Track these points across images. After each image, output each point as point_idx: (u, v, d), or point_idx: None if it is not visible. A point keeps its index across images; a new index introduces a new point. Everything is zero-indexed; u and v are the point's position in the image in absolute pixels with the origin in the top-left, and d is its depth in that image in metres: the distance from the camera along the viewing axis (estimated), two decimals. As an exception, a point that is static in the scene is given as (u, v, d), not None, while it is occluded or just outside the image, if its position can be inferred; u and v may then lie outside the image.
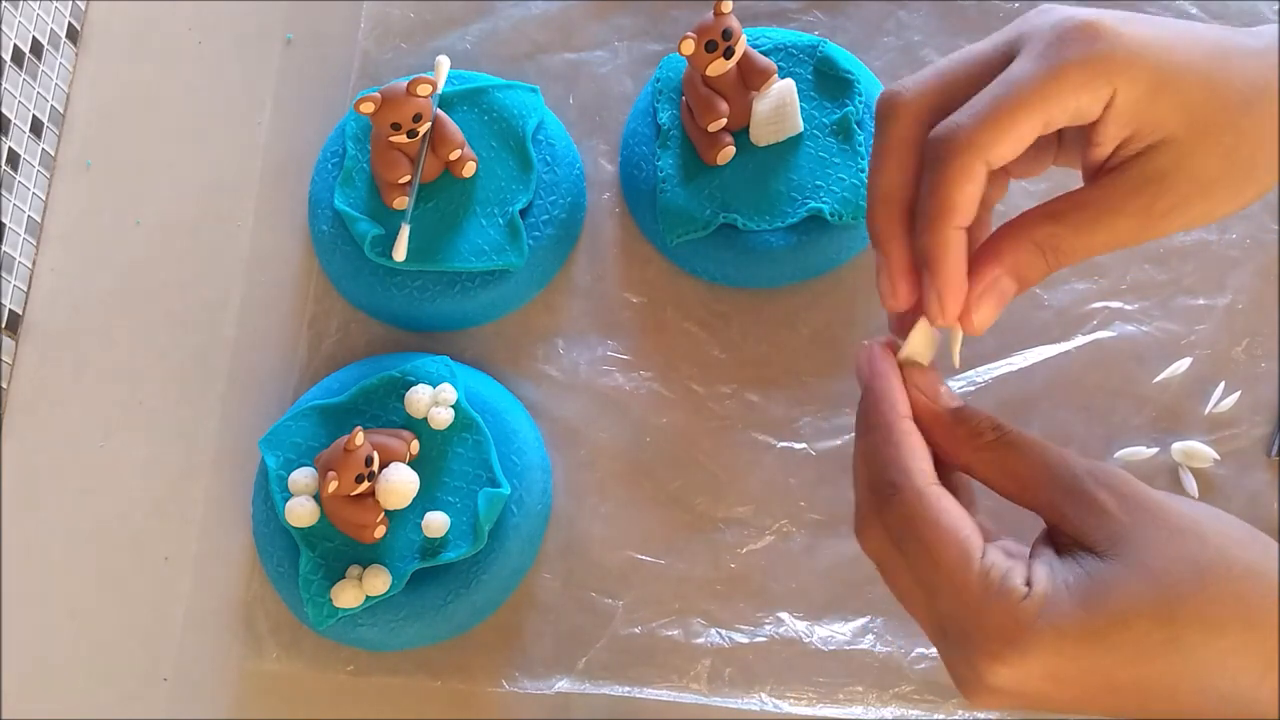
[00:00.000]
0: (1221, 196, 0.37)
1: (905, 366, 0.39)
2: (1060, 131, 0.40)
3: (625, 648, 0.52)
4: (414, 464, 0.51)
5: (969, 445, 0.36)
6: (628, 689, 0.51)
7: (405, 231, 0.54)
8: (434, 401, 0.52)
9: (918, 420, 0.37)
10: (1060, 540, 0.35)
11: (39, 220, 0.59)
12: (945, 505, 0.35)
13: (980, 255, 0.37)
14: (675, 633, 0.52)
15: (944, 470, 0.38)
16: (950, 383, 0.53)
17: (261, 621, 0.54)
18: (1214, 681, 0.32)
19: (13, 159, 0.57)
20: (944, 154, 0.36)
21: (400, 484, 0.49)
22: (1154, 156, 0.36)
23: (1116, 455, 0.52)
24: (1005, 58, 0.36)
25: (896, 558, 0.35)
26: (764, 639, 0.51)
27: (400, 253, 0.54)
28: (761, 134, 0.54)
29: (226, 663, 0.54)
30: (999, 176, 0.40)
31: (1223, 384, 0.52)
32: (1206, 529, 0.33)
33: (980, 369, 0.53)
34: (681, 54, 0.51)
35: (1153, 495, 0.34)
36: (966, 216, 0.36)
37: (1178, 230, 0.37)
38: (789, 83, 0.53)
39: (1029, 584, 0.33)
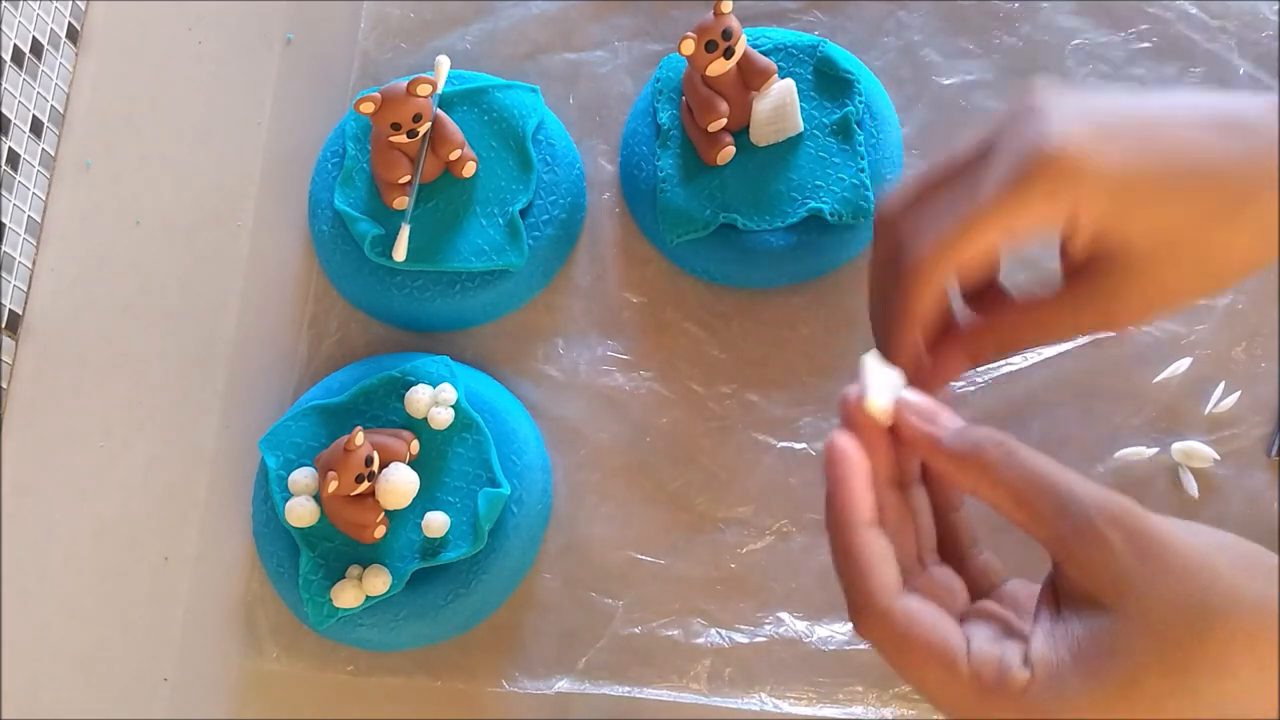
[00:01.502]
0: (1182, 300, 0.38)
1: (876, 429, 0.37)
2: None
3: (625, 648, 0.52)
4: (414, 464, 0.51)
5: (974, 472, 0.35)
6: (628, 689, 0.51)
7: (405, 231, 0.54)
8: (434, 401, 0.52)
9: (920, 454, 0.37)
10: (1063, 585, 0.34)
11: (39, 220, 0.59)
12: (914, 618, 0.33)
13: (947, 351, 0.40)
14: (675, 633, 0.52)
15: (946, 503, 0.39)
16: (950, 383, 0.53)
17: (261, 621, 0.54)
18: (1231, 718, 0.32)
19: (13, 159, 0.57)
20: (905, 271, 0.38)
21: (400, 484, 0.49)
22: (1117, 267, 0.36)
23: (1116, 455, 0.52)
24: (981, 157, 0.37)
25: None
26: (764, 639, 0.51)
27: (400, 253, 0.54)
28: (761, 134, 0.54)
29: (226, 663, 0.54)
30: (986, 265, 0.41)
31: (1223, 384, 0.52)
32: (1217, 563, 0.32)
33: (980, 369, 0.53)
34: (681, 54, 0.51)
35: (1161, 530, 0.32)
36: (925, 320, 0.38)
37: (1123, 328, 0.39)
38: (789, 83, 0.53)
39: (1029, 663, 0.32)
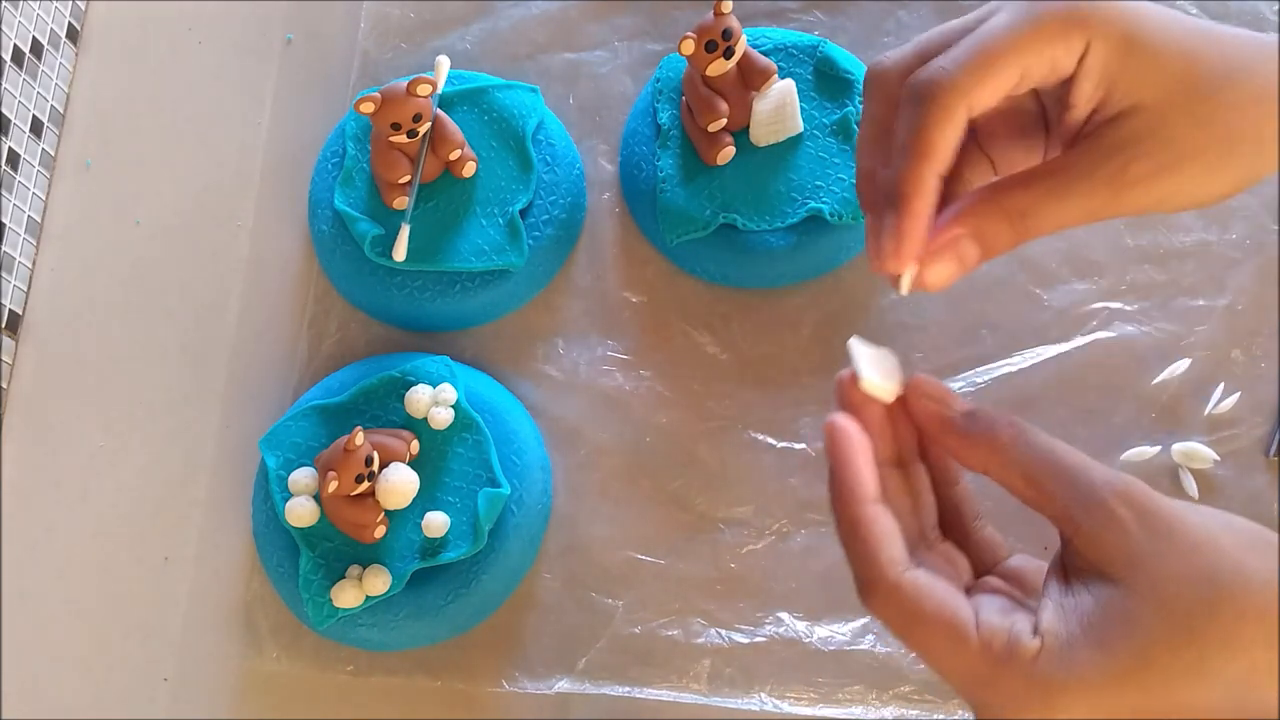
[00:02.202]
0: (1195, 172, 0.36)
1: (874, 407, 0.37)
2: (1046, 118, 0.40)
3: (625, 648, 0.52)
4: (414, 464, 0.51)
5: (985, 451, 0.35)
6: (628, 689, 0.51)
7: (405, 231, 0.54)
8: (434, 401, 0.52)
9: (928, 433, 0.37)
10: (1072, 560, 0.34)
11: (39, 220, 0.59)
12: (922, 591, 0.33)
13: (945, 216, 0.37)
14: (675, 633, 0.52)
15: (945, 478, 0.38)
16: (948, 384, 0.53)
17: (261, 621, 0.54)
18: (1241, 698, 0.31)
19: (13, 159, 0.57)
20: (924, 94, 0.36)
21: (400, 484, 0.49)
22: (1126, 121, 0.36)
23: (1117, 456, 0.52)
24: (980, 21, 0.37)
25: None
26: (764, 639, 0.51)
27: (400, 253, 0.54)
28: (761, 134, 0.54)
29: (226, 663, 0.54)
30: (981, 159, 0.40)
31: (1222, 385, 0.52)
32: (1223, 542, 0.32)
33: (980, 369, 0.53)
34: (681, 54, 0.51)
35: (1169, 508, 0.33)
36: (943, 161, 0.36)
37: (1152, 208, 0.36)
38: (789, 83, 0.53)
39: (1039, 634, 0.32)
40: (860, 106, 0.54)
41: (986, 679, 0.32)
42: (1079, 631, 0.32)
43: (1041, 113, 0.40)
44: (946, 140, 0.36)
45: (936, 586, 0.33)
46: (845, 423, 0.36)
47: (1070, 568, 0.34)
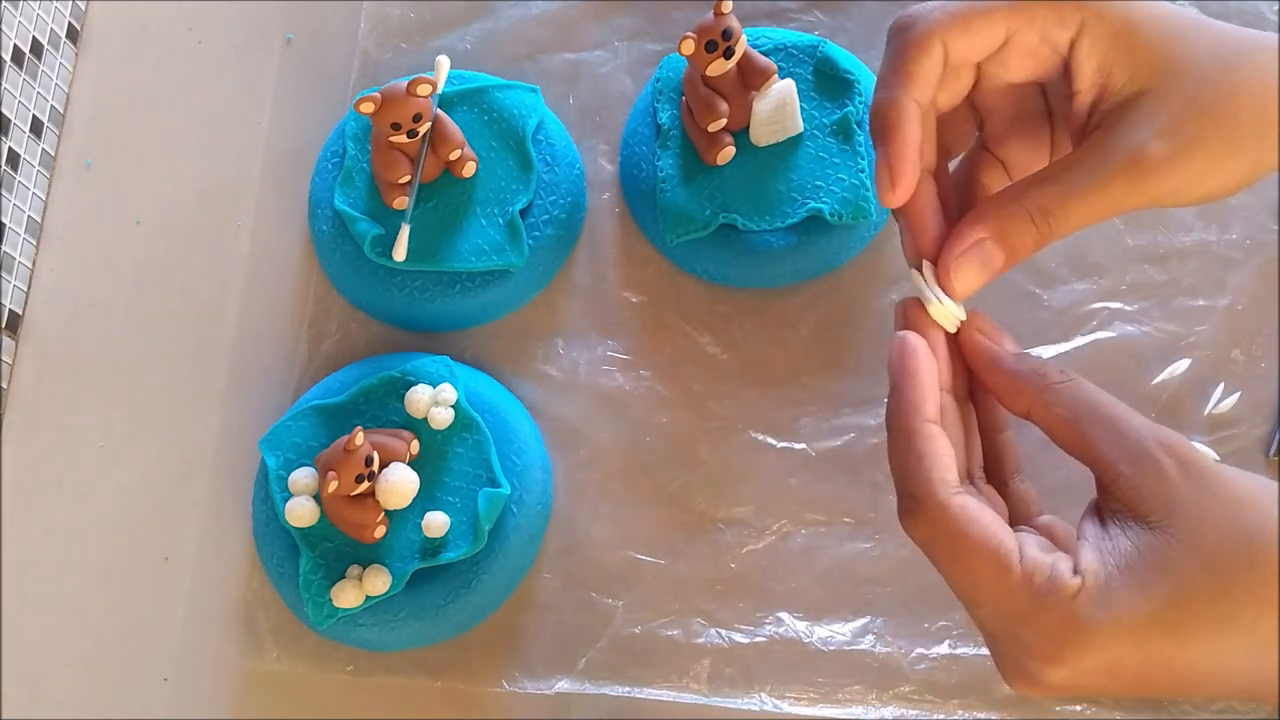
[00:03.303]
0: (1205, 159, 0.36)
1: (939, 337, 0.37)
2: (1053, 118, 0.40)
3: (625, 648, 0.52)
4: (414, 464, 0.51)
5: (1032, 391, 0.35)
6: (628, 689, 0.51)
7: (405, 231, 0.54)
8: (434, 401, 0.52)
9: (978, 368, 0.37)
10: (1110, 505, 0.34)
11: (39, 220, 0.59)
12: (970, 515, 0.33)
13: (964, 219, 0.37)
14: (675, 633, 0.52)
15: (993, 423, 0.38)
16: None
17: (261, 621, 0.54)
18: (1264, 658, 0.32)
19: (13, 159, 0.57)
20: (903, 27, 0.37)
21: (400, 484, 0.49)
22: (1132, 108, 0.36)
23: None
24: None
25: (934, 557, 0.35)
26: (764, 639, 0.51)
27: (400, 253, 0.54)
28: (761, 134, 0.54)
29: (226, 663, 0.54)
30: (993, 163, 0.40)
31: (1222, 385, 0.52)
32: (1263, 501, 0.32)
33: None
34: (681, 54, 0.51)
35: (1211, 465, 0.33)
36: (922, 91, 0.37)
37: (1169, 196, 0.36)
38: (789, 83, 0.53)
39: (1079, 573, 0.32)
40: (859, 106, 0.54)
41: (1024, 612, 0.32)
42: (1117, 573, 0.32)
43: (1048, 112, 0.40)
44: (922, 69, 0.36)
45: (985, 512, 0.33)
46: (915, 340, 0.36)
47: (1107, 512, 0.34)
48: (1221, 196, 0.37)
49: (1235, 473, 0.33)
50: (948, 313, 0.37)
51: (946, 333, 0.38)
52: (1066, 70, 0.37)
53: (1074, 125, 0.38)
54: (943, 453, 0.35)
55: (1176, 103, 0.35)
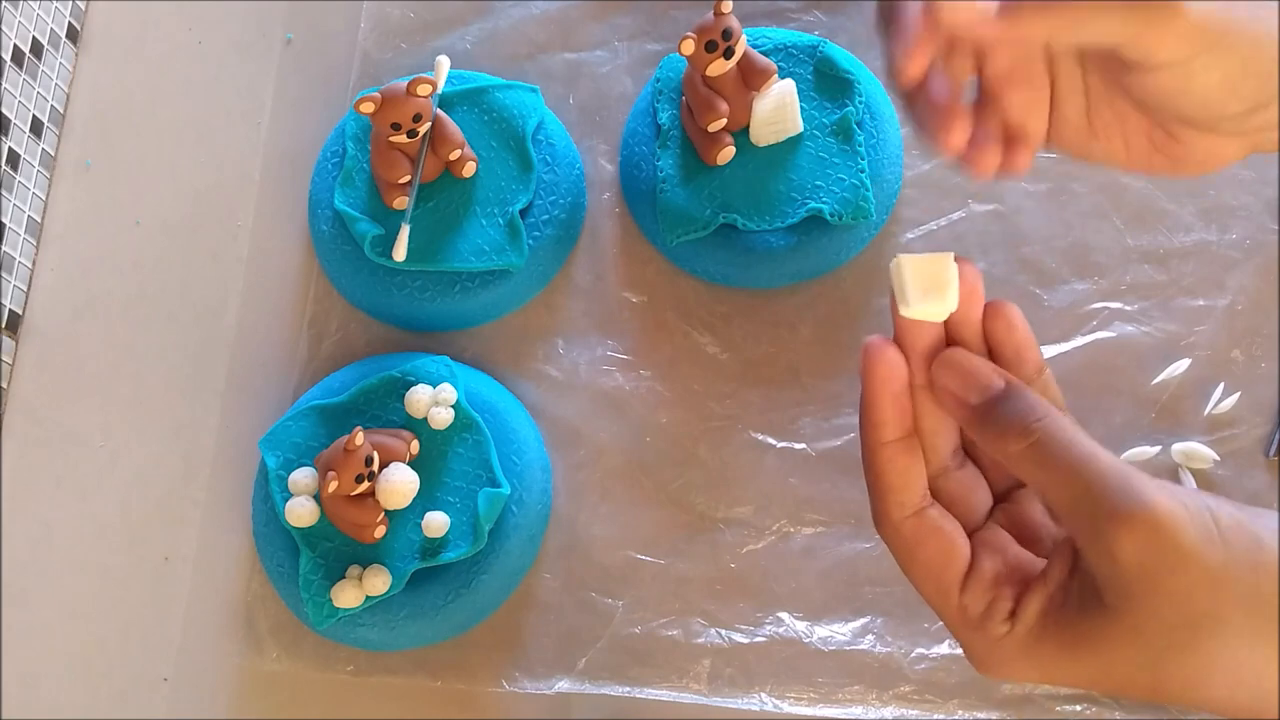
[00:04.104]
0: (1214, 71, 0.34)
1: (924, 329, 0.36)
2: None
3: (625, 648, 0.52)
4: (414, 464, 0.51)
5: (996, 449, 0.34)
6: (628, 689, 0.51)
7: (405, 231, 0.54)
8: (434, 401, 0.52)
9: (945, 406, 0.36)
10: (1079, 562, 0.33)
11: (39, 220, 0.59)
12: (922, 537, 0.35)
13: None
14: (675, 633, 0.52)
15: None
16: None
17: (261, 621, 0.54)
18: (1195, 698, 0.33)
19: (13, 159, 0.57)
20: None
21: (400, 484, 0.49)
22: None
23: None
24: None
25: None
26: (764, 639, 0.51)
27: (400, 253, 0.54)
28: (761, 134, 0.54)
29: (226, 663, 0.54)
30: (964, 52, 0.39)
31: (1222, 385, 0.52)
32: (1229, 575, 0.31)
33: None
34: (681, 54, 0.51)
35: (1185, 540, 0.31)
36: None
37: (1176, 56, 0.34)
38: (789, 83, 0.53)
39: (1013, 617, 0.33)
40: (859, 106, 0.54)
41: (957, 630, 0.35)
42: (1052, 629, 0.33)
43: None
44: None
45: (933, 537, 0.35)
46: (881, 349, 0.36)
47: (1079, 565, 0.33)
48: (1205, 112, 0.36)
49: (1207, 548, 0.31)
50: (927, 312, 0.35)
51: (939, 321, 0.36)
52: None
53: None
54: (899, 474, 0.35)
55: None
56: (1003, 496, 0.38)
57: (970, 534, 0.36)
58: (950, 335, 0.36)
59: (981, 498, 0.37)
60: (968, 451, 0.38)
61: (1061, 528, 0.35)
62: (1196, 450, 0.51)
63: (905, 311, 0.35)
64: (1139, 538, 0.31)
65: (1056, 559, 0.34)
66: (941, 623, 0.36)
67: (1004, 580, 0.35)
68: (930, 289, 0.35)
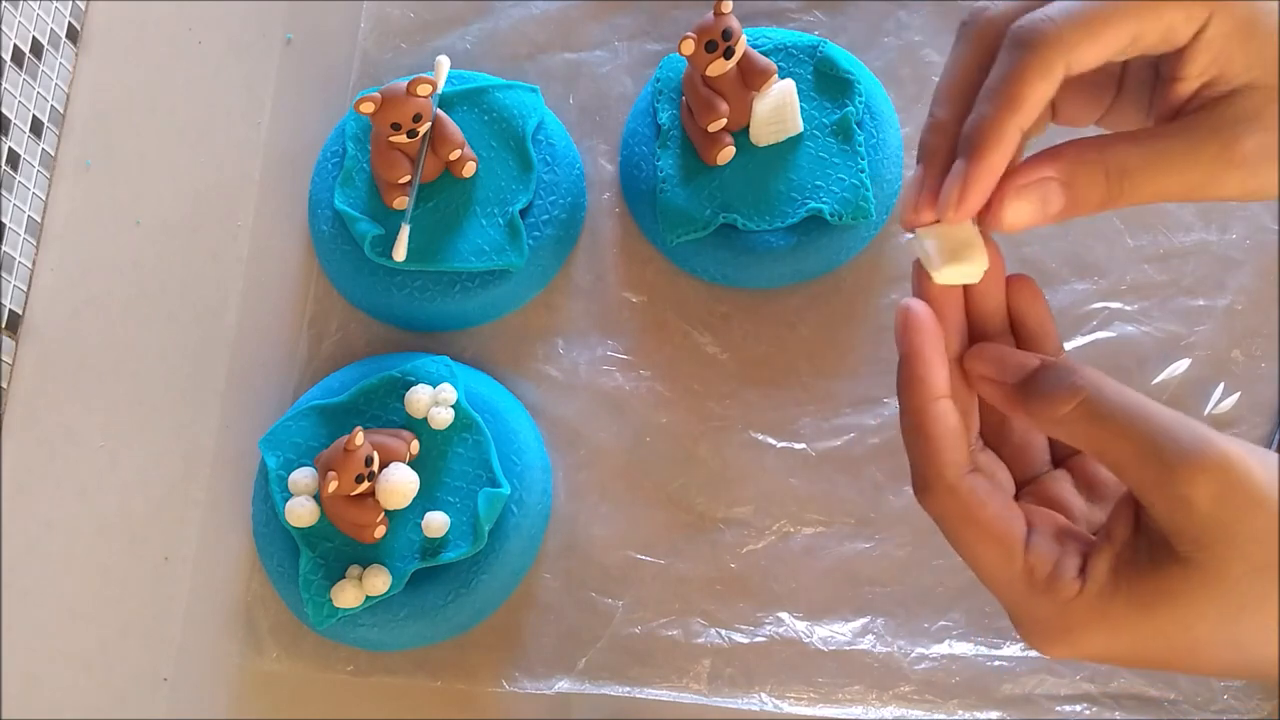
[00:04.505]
0: None
1: (948, 306, 0.35)
2: (1124, 76, 0.38)
3: (625, 648, 0.52)
4: (414, 464, 0.51)
5: (1046, 418, 0.33)
6: (628, 689, 0.51)
7: (405, 231, 0.54)
8: (434, 401, 0.52)
9: (984, 394, 0.35)
10: (1144, 518, 0.32)
11: (39, 220, 0.59)
12: (979, 498, 0.33)
13: (1035, 156, 0.35)
14: (675, 633, 0.52)
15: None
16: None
17: (261, 621, 0.54)
18: (1263, 650, 0.32)
19: (13, 159, 0.57)
20: (1025, 41, 0.34)
21: (400, 484, 0.49)
22: (1239, 100, 0.34)
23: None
24: None
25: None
26: (764, 639, 0.51)
27: (400, 253, 0.54)
28: (761, 134, 0.54)
29: (226, 663, 0.54)
30: (1042, 113, 0.39)
31: (1222, 385, 0.52)
32: None
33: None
34: (681, 54, 0.51)
35: (1257, 481, 0.30)
36: (1030, 116, 0.34)
37: (1248, 193, 0.35)
38: (789, 83, 0.53)
39: (1083, 575, 0.32)
40: (859, 106, 0.54)
41: (1022, 598, 0.33)
42: (1125, 586, 0.32)
43: (1119, 70, 0.39)
44: (1038, 94, 0.34)
45: (993, 497, 0.33)
46: (921, 310, 0.34)
47: (1142, 520, 0.32)
48: (1264, 196, 0.36)
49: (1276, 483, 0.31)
50: (961, 273, 0.34)
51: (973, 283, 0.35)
52: (1173, 56, 0.35)
53: (1168, 106, 0.36)
54: (951, 431, 0.34)
55: None
56: (1024, 483, 0.37)
57: None
58: (972, 308, 0.36)
59: (1006, 479, 0.36)
60: (986, 442, 0.37)
61: (1124, 483, 0.33)
62: (1196, 450, 0.51)
63: (938, 278, 0.34)
64: (1212, 482, 0.30)
65: (1118, 517, 0.33)
66: (997, 600, 0.34)
67: (1066, 538, 0.33)
68: (957, 251, 0.34)
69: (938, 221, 0.35)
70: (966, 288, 0.36)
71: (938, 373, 0.34)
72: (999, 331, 0.37)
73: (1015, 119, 0.34)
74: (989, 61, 0.35)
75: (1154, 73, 0.38)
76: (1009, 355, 0.35)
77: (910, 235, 0.35)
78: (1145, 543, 0.32)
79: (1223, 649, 0.31)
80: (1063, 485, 0.37)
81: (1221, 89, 0.35)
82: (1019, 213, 0.35)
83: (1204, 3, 0.34)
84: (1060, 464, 0.38)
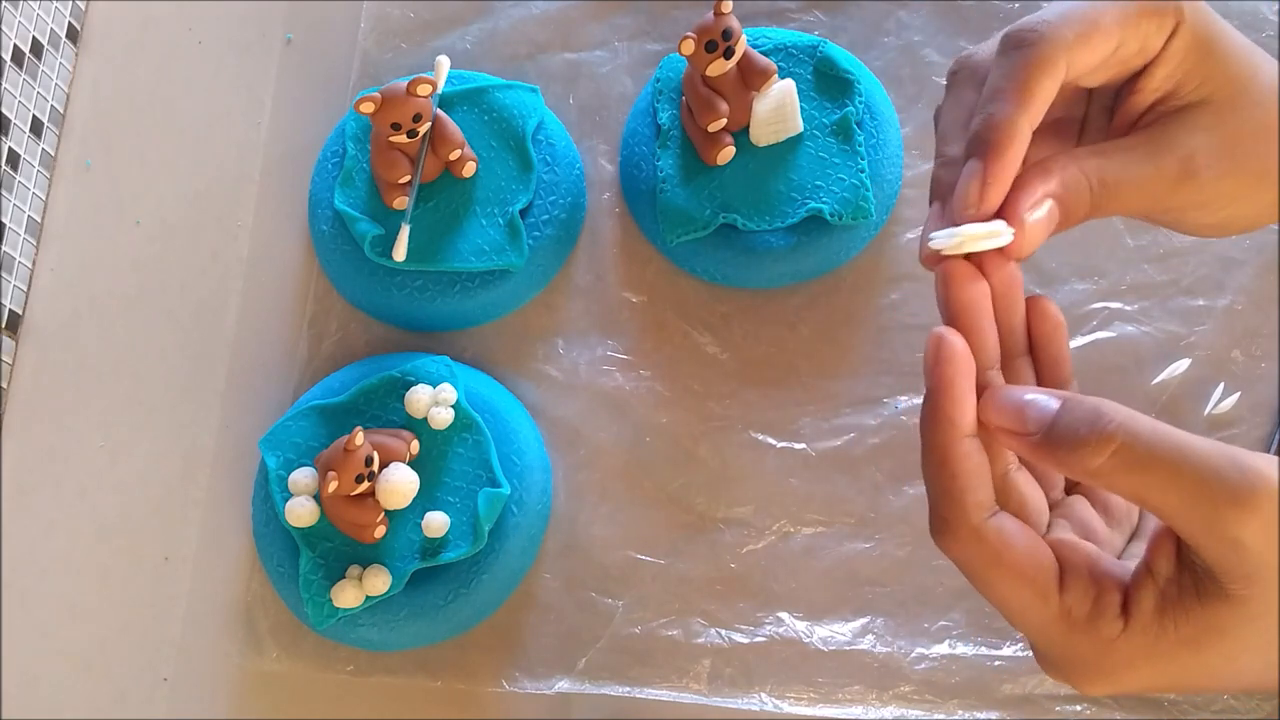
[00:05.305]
0: (1243, 182, 0.36)
1: (970, 260, 0.34)
2: (1088, 107, 0.39)
3: (625, 648, 0.52)
4: (414, 464, 0.51)
5: (1080, 470, 0.31)
6: (628, 689, 0.51)
7: (405, 231, 0.54)
8: (434, 401, 0.52)
9: (1007, 447, 0.33)
10: (1189, 556, 0.31)
11: (39, 220, 0.59)
12: (1006, 540, 0.31)
13: (1030, 171, 0.34)
14: (675, 633, 0.52)
15: (1059, 382, 0.37)
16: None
17: (261, 621, 0.54)
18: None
19: (13, 159, 0.57)
20: (1026, 40, 0.34)
21: (400, 484, 0.49)
22: (1194, 114, 0.36)
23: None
24: None
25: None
26: (764, 639, 0.51)
27: (400, 253, 0.54)
28: (761, 134, 0.54)
29: (226, 663, 0.54)
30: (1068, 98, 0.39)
31: (1222, 385, 0.52)
32: None
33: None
34: (681, 54, 0.51)
35: None
36: (1038, 113, 0.34)
37: (1194, 213, 0.36)
38: (789, 83, 0.53)
39: (1126, 614, 0.31)
40: (859, 106, 0.54)
41: (1060, 639, 0.31)
42: (1172, 626, 0.30)
43: (1082, 113, 0.40)
44: (1044, 89, 0.34)
45: (1020, 537, 0.32)
46: (955, 341, 0.32)
47: (1186, 558, 0.31)
48: (1231, 230, 0.37)
49: None
50: (989, 235, 0.33)
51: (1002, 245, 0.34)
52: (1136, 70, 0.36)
53: (1124, 119, 0.37)
54: (978, 472, 0.32)
55: (1235, 122, 0.35)
56: (1053, 504, 0.36)
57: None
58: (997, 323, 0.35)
59: (1039, 504, 0.35)
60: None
61: (1170, 525, 0.31)
62: (1196, 450, 0.51)
63: (979, 245, 0.33)
64: (1263, 520, 0.29)
65: (1159, 552, 0.31)
66: (1027, 639, 0.32)
67: (1103, 574, 0.32)
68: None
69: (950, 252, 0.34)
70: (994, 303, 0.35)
71: (967, 410, 0.32)
72: (1019, 352, 0.36)
73: (1027, 114, 0.34)
74: (979, 75, 0.36)
75: (1108, 116, 0.39)
76: (1027, 404, 0.32)
77: (933, 241, 0.34)
78: (1190, 579, 0.31)
79: (1261, 673, 0.31)
80: (1084, 508, 0.36)
81: (1175, 104, 0.36)
82: (1036, 234, 0.34)
83: (1175, 13, 0.34)
84: (1071, 489, 0.37)
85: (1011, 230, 0.34)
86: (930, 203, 0.36)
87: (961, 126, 0.36)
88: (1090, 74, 0.36)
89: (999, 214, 0.34)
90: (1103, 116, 0.39)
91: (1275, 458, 0.30)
